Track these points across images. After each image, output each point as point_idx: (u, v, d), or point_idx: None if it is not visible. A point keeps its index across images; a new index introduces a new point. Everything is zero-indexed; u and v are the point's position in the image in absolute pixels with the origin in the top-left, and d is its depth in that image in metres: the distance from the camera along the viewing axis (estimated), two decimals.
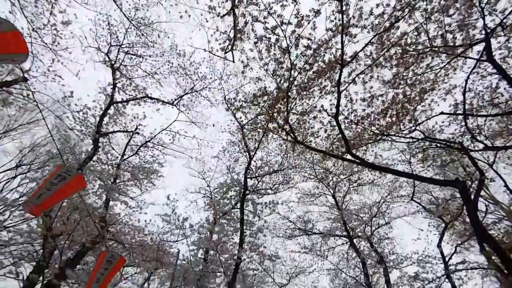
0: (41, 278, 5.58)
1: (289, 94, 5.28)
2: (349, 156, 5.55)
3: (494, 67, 5.04)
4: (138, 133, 10.04)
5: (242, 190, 7.13)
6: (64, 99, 7.67)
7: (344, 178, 10.70)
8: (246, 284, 6.18)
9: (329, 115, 5.60)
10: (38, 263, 5.76)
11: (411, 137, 6.05)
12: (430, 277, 9.21)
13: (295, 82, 5.33)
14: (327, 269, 11.74)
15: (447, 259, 9.44)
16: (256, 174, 7.72)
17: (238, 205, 7.29)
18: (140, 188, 10.50)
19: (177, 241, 8.59)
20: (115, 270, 4.14)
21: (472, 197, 5.15)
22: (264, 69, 5.19)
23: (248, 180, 7.55)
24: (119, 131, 8.47)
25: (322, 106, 5.77)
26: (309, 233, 11.92)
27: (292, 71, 4.99)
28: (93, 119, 8.21)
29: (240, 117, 7.74)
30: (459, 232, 9.84)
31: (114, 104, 8.27)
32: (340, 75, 4.81)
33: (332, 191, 11.17)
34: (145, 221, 8.54)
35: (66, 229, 7.33)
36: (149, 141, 10.20)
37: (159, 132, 10.21)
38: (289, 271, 13.79)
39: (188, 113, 10.35)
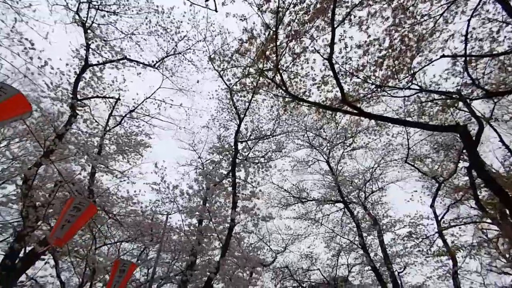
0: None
1: (278, 36, 4.79)
2: (345, 108, 5.23)
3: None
4: (119, 99, 9.46)
5: (233, 153, 6.81)
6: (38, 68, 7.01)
7: (339, 143, 10.48)
8: (241, 247, 6.03)
9: (323, 58, 5.15)
10: (20, 232, 5.48)
11: (409, 88, 5.70)
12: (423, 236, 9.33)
13: (284, 26, 4.83)
14: (323, 232, 11.85)
15: (439, 218, 9.58)
16: (247, 138, 7.37)
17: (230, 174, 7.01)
18: (128, 161, 10.11)
19: (169, 214, 8.36)
20: (84, 219, 3.66)
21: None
22: (248, 3, 4.64)
23: (240, 145, 7.21)
24: (97, 96, 7.88)
25: (314, 48, 5.32)
26: (304, 200, 11.90)
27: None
28: (68, 87, 7.60)
29: (228, 79, 7.25)
30: (453, 190, 9.87)
31: (90, 68, 7.63)
32: (334, 6, 4.32)
33: (326, 157, 11.00)
34: (134, 191, 8.24)
35: (48, 199, 7.03)
36: (133, 110, 9.66)
37: (143, 101, 9.67)
38: (285, 238, 14.03)
39: (172, 79, 9.76)
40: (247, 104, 7.02)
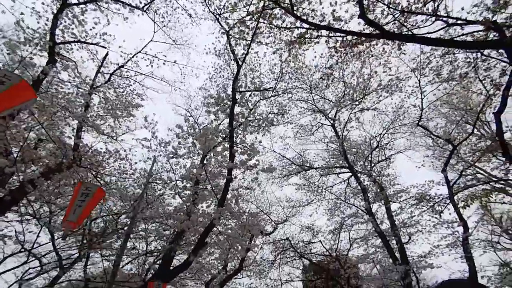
0: None
1: None
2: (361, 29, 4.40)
3: None
4: (107, 55, 8.63)
5: (231, 103, 6.09)
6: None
7: (347, 105, 9.70)
8: (239, 205, 5.44)
9: None
10: None
11: (436, 19, 4.85)
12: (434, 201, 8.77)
13: None
14: (326, 201, 11.33)
15: (451, 184, 8.99)
16: (246, 89, 6.62)
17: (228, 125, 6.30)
18: (119, 124, 9.40)
19: (162, 180, 7.69)
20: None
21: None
22: None
23: (238, 95, 6.45)
24: (79, 41, 7.05)
25: None
26: (307, 168, 11.30)
27: None
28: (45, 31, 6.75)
29: (227, 22, 6.39)
30: (471, 152, 9.20)
31: (69, 8, 6.75)
32: None
33: (331, 121, 10.27)
34: (124, 150, 7.60)
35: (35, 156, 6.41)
36: (122, 66, 8.85)
37: (134, 55, 8.83)
38: (286, 211, 13.60)
39: (165, 30, 8.88)
40: (246, 48, 6.21)
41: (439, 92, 9.01)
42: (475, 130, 8.84)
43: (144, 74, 9.27)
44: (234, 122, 5.98)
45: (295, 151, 11.58)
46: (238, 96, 6.26)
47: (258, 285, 13.16)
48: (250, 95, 7.81)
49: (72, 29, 6.76)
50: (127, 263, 9.97)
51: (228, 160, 5.49)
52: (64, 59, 7.41)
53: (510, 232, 11.90)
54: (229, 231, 6.26)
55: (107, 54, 8.93)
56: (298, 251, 13.00)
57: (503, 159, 9.12)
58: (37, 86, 6.12)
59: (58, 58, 6.62)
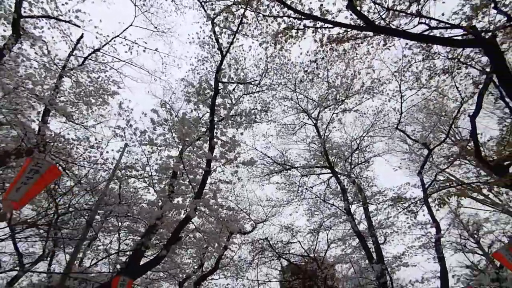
0: None
1: None
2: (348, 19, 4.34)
3: None
4: (82, 37, 8.06)
5: (213, 94, 5.83)
6: None
7: (330, 105, 9.75)
8: (216, 197, 5.17)
9: None
10: None
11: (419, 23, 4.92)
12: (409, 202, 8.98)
13: None
14: (307, 199, 11.30)
15: (426, 187, 9.29)
16: (230, 80, 6.39)
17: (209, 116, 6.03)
18: (92, 112, 8.79)
19: (133, 169, 7.18)
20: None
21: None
22: None
23: (220, 85, 6.19)
24: (48, 16, 6.49)
25: None
26: (289, 167, 11.23)
27: None
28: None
29: (212, 6, 6.14)
30: (445, 156, 9.56)
31: None
32: None
33: (314, 121, 10.28)
34: (95, 139, 7.08)
35: None
36: (98, 49, 8.31)
37: (111, 39, 8.34)
38: (266, 211, 13.44)
39: (147, 15, 8.47)
40: (231, 37, 5.99)
41: (417, 97, 9.30)
42: (449, 136, 9.22)
43: (122, 61, 8.78)
44: (216, 114, 5.73)
45: (277, 150, 11.49)
46: (220, 87, 6.02)
47: (235, 285, 12.87)
48: (233, 89, 7.60)
49: (42, 2, 6.20)
50: (96, 263, 9.33)
51: (207, 152, 5.22)
52: (32, 36, 6.79)
53: (475, 236, 12.55)
54: (207, 228, 5.97)
55: (82, 36, 8.36)
56: (277, 251, 12.88)
57: (474, 164, 9.58)
58: None
59: (23, 33, 6.03)
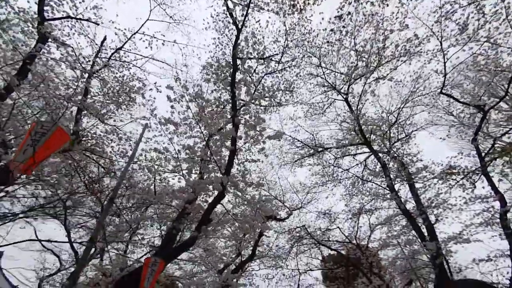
0: None
1: None
2: None
3: None
4: (105, 39, 8.33)
5: (232, 71, 5.55)
6: None
7: (360, 76, 8.93)
8: (245, 178, 4.90)
9: None
10: None
11: None
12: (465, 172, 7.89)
13: None
14: (345, 179, 10.60)
15: (484, 155, 8.09)
16: (248, 56, 6.05)
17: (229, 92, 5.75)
18: (122, 111, 9.06)
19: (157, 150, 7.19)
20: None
21: None
22: None
23: (239, 61, 5.88)
24: (69, 17, 6.71)
25: None
26: (321, 149, 10.61)
27: None
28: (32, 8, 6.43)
29: None
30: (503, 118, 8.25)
31: None
32: None
33: (344, 96, 9.52)
34: (125, 134, 7.24)
35: None
36: (121, 48, 8.52)
37: (132, 35, 8.50)
38: (301, 198, 12.96)
39: (162, 6, 8.46)
40: (246, 9, 5.64)
41: (463, 54, 8.10)
42: (508, 93, 7.89)
43: (144, 57, 8.91)
44: (236, 90, 5.44)
45: (307, 132, 10.90)
46: (239, 63, 5.71)
47: (275, 275, 12.66)
48: (254, 69, 7.24)
49: (63, 5, 6.42)
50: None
51: (231, 129, 4.95)
52: (55, 38, 7.09)
53: None
54: (239, 213, 5.75)
55: (105, 38, 8.65)
56: (316, 238, 12.37)
57: None
58: (28, 65, 5.83)
59: (50, 38, 6.31)
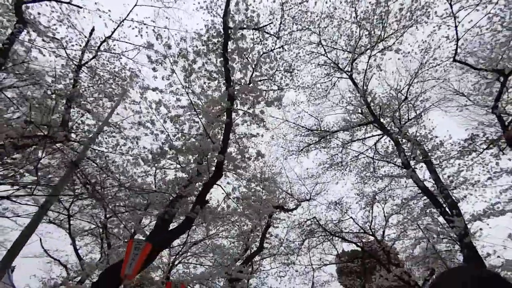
0: None
1: None
2: None
3: None
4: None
5: (223, 40, 5.04)
6: None
7: (364, 51, 8.35)
8: (243, 155, 4.36)
9: None
10: None
11: None
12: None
13: None
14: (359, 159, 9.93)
15: (507, 123, 7.37)
16: (241, 26, 5.53)
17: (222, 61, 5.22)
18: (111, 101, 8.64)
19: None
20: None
21: None
22: None
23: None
24: None
25: None
26: (328, 133, 10.00)
27: None
28: None
29: None
30: None
31: None
32: None
33: (348, 73, 8.92)
34: (116, 123, 6.78)
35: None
36: (109, 36, 8.12)
37: (120, 22, 8.08)
38: (310, 189, 12.32)
39: None
40: None
41: (477, 15, 7.45)
42: None
43: (135, 45, 8.51)
44: (230, 60, 4.92)
45: (312, 116, 10.30)
46: (230, 32, 5.20)
47: (287, 271, 12.00)
48: (250, 49, 6.72)
49: None
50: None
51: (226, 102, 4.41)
52: (33, 22, 6.70)
53: None
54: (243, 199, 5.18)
55: (93, 29, 8.30)
56: (328, 230, 11.67)
57: None
58: (5, 52, 5.44)
59: (30, 23, 5.92)
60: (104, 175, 7.66)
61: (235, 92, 4.57)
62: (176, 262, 11.02)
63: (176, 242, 11.88)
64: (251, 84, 4.68)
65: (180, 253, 11.03)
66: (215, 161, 4.36)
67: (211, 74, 5.25)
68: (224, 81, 4.85)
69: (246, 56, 5.21)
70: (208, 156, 4.29)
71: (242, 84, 5.17)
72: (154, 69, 4.40)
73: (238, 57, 5.14)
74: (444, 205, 6.96)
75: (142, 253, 3.10)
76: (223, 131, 5.43)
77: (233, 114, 4.75)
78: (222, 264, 9.08)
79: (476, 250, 5.78)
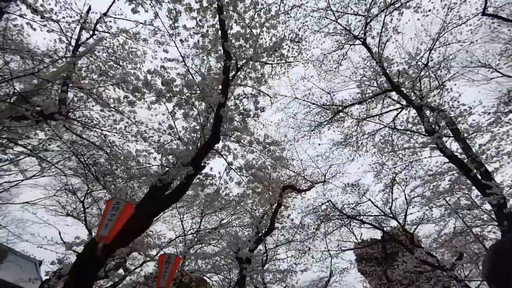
0: None
1: None
2: None
3: None
4: (89, 9, 7.67)
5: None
6: None
7: (377, 14, 7.54)
8: (246, 124, 3.86)
9: None
10: None
11: None
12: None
13: None
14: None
15: None
16: None
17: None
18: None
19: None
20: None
21: None
22: None
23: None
24: None
25: None
26: (342, 107, 9.29)
27: None
28: None
29: None
30: None
31: None
32: None
33: (362, 39, 8.15)
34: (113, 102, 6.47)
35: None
36: (106, 13, 7.76)
37: None
38: (324, 171, 11.68)
39: None
40: None
41: None
42: None
43: (133, 21, 8.12)
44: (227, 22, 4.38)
45: (323, 90, 9.60)
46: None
47: (302, 257, 11.51)
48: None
49: None
50: None
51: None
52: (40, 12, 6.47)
53: None
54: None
55: (90, 8, 8.03)
56: (344, 213, 11.02)
57: None
58: None
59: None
60: (114, 163, 7.43)
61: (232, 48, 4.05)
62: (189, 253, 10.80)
63: (189, 231, 11.72)
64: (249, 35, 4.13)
65: (193, 243, 10.77)
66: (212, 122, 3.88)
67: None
68: (220, 36, 4.32)
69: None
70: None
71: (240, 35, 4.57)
72: (133, 11, 3.95)
73: (234, 13, 4.59)
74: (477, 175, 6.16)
75: (121, 214, 2.72)
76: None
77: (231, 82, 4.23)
78: (231, 248, 8.73)
79: None
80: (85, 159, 7.87)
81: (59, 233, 11.93)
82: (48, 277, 6.12)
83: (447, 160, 6.68)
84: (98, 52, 8.10)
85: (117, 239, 2.89)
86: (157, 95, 3.66)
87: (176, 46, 3.87)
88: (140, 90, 3.62)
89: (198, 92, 3.87)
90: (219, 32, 4.44)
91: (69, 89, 6.86)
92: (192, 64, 4.28)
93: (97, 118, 6.69)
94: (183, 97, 3.79)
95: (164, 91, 3.64)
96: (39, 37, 6.36)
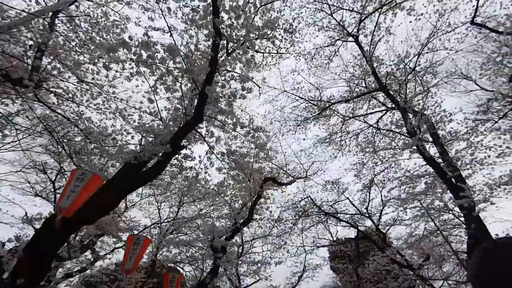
0: None
1: None
2: None
3: None
4: None
5: None
6: None
7: (371, 12, 7.55)
8: (231, 106, 3.68)
9: None
10: None
11: None
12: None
13: None
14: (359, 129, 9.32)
15: None
16: None
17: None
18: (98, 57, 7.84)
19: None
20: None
21: None
22: None
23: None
24: None
25: None
26: (329, 104, 9.30)
27: None
28: None
29: None
30: None
31: None
32: None
33: (354, 37, 8.14)
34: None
35: None
36: None
37: None
38: (306, 167, 11.74)
39: None
40: None
41: None
42: None
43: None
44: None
45: (312, 85, 9.57)
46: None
47: (277, 250, 11.59)
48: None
49: None
50: None
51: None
52: None
53: None
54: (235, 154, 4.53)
55: None
56: (323, 210, 11.18)
57: None
58: None
59: None
60: (89, 141, 6.99)
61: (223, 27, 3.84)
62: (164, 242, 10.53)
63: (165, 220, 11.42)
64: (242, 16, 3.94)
65: (168, 231, 10.50)
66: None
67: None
68: (211, 11, 4.08)
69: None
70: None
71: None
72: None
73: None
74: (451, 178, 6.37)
75: (86, 185, 2.51)
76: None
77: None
78: (206, 237, 8.59)
79: (484, 224, 5.24)
80: (59, 136, 7.38)
81: (26, 214, 11.25)
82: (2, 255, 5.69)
83: (425, 163, 6.87)
84: (80, 20, 7.57)
85: (81, 213, 2.65)
86: (137, 60, 3.38)
87: (162, 14, 3.60)
88: (116, 49, 3.33)
89: (182, 65, 3.64)
90: (211, 8, 4.21)
91: (43, 56, 6.35)
92: (180, 39, 4.02)
93: (73, 91, 6.23)
94: (165, 66, 3.53)
95: (144, 58, 3.37)
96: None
